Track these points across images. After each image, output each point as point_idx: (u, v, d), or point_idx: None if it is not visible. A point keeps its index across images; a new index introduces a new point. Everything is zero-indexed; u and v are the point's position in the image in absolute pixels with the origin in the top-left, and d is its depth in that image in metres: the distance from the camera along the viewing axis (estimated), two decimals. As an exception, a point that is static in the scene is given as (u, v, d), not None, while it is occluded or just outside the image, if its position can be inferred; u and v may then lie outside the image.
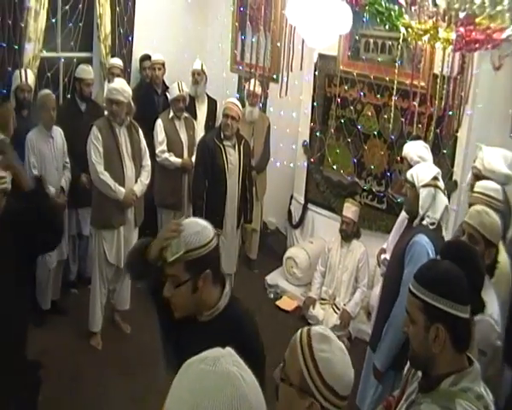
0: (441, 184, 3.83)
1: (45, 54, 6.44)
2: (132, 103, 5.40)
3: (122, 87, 5.26)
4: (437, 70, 4.97)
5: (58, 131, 5.64)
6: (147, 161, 5.55)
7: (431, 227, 3.72)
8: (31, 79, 5.64)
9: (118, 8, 6.87)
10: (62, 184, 5.64)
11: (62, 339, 5.50)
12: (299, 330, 1.96)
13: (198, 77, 7.06)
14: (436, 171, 3.85)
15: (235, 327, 2.40)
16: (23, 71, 5.62)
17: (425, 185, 3.76)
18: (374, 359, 3.95)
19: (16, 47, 5.90)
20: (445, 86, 4.87)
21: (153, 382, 4.98)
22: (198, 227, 2.37)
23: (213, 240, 2.38)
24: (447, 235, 4.08)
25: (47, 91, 5.60)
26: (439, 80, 4.93)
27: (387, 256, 4.60)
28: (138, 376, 5.00)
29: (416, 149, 4.73)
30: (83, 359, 5.29)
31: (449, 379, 2.06)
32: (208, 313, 2.44)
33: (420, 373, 2.26)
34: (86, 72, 6.13)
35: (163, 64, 7.05)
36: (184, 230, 2.34)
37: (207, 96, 7.29)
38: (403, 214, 4.57)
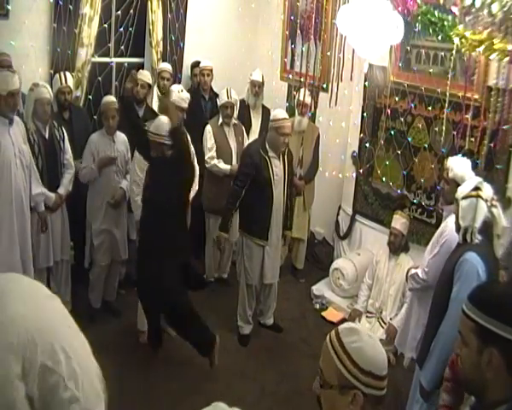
0: (484, 193, 3.62)
1: (97, 59, 6.55)
2: None
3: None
4: (491, 82, 4.83)
5: (122, 138, 5.76)
6: (195, 166, 5.59)
7: (475, 241, 3.57)
8: (70, 80, 5.73)
9: (169, 15, 6.97)
10: (123, 186, 5.76)
11: (111, 336, 5.59)
12: (328, 334, 2.03)
13: (258, 89, 7.08)
14: (477, 180, 3.69)
15: None
16: (62, 73, 5.72)
17: (466, 197, 3.61)
18: (420, 376, 3.85)
19: (69, 52, 6.02)
20: (499, 99, 4.73)
21: (193, 384, 5.02)
22: None
23: None
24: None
25: (109, 99, 5.72)
26: (493, 93, 4.78)
27: (418, 271, 4.48)
28: (180, 378, 5.04)
29: (463, 167, 4.32)
30: (129, 357, 5.35)
31: (502, 407, 1.90)
32: None
33: (473, 398, 2.14)
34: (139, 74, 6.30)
35: (211, 70, 7.07)
36: None
37: (262, 105, 7.29)
38: (442, 226, 4.43)
